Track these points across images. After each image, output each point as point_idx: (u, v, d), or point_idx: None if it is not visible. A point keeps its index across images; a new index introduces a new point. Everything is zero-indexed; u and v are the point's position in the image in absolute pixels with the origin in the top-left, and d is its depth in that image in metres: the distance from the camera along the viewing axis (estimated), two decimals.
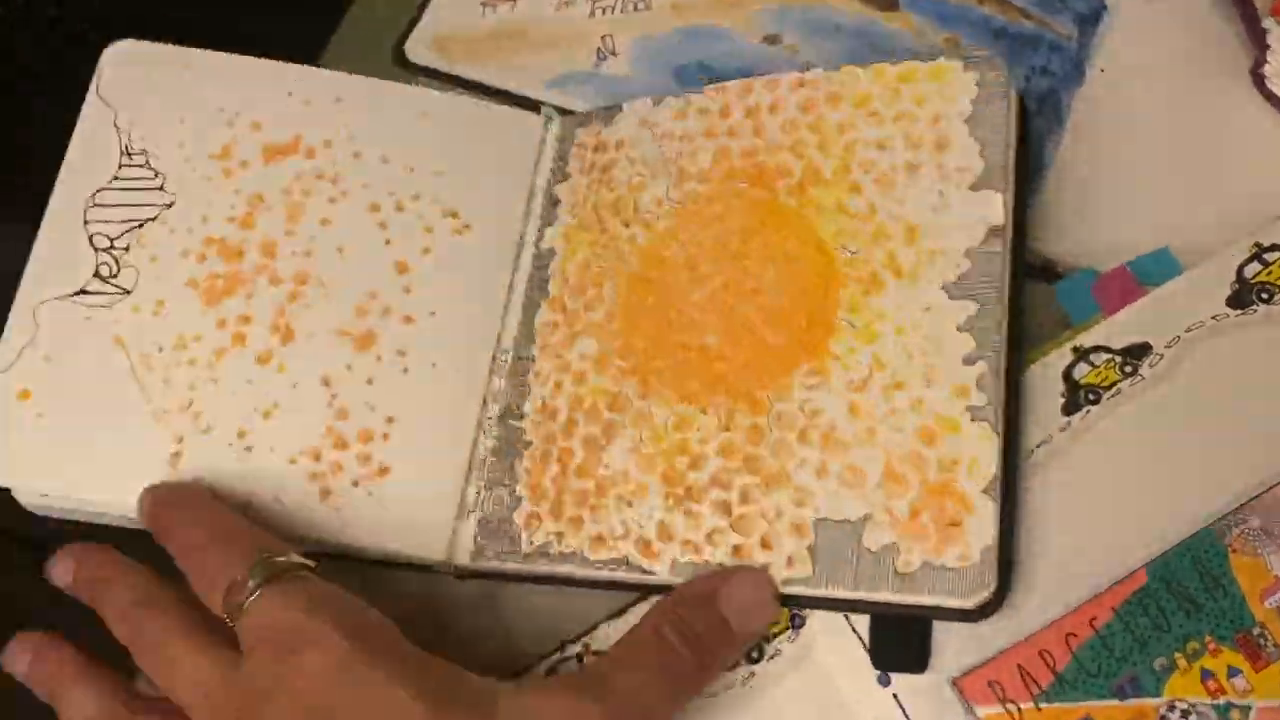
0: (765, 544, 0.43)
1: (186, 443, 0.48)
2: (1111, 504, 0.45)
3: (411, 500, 0.49)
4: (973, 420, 0.42)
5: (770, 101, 0.49)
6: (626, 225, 0.50)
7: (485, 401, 0.50)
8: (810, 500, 0.43)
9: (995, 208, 0.44)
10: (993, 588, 0.40)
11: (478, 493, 0.49)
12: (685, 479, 0.45)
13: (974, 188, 0.45)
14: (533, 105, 0.56)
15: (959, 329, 0.43)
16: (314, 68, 0.55)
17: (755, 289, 0.47)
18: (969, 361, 0.42)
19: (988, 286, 0.43)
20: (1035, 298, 0.48)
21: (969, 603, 0.40)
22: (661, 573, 0.44)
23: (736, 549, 0.43)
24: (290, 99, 0.54)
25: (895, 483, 0.42)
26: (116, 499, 0.48)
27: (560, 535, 0.47)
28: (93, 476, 0.48)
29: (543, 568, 0.47)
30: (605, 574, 0.46)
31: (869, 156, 0.47)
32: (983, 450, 0.41)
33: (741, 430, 0.45)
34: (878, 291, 0.45)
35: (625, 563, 0.45)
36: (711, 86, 0.51)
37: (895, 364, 0.43)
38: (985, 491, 0.41)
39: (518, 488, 0.48)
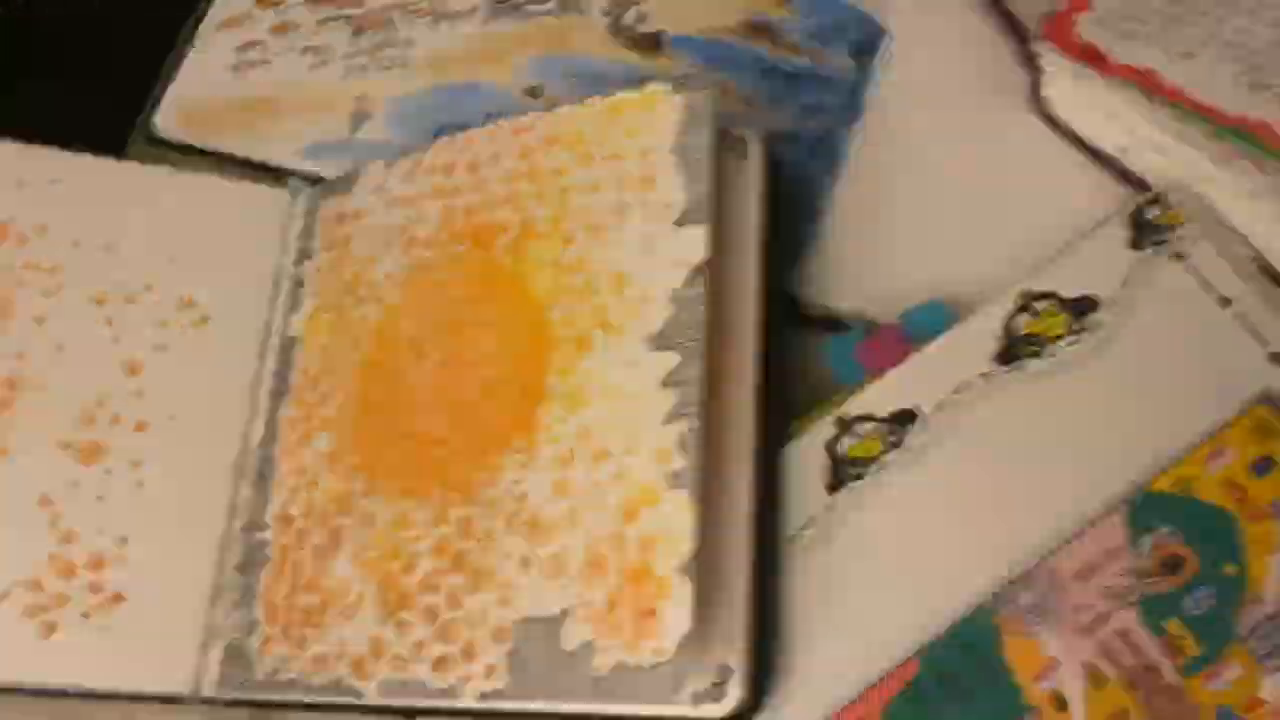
0: (469, 653, 0.37)
1: None
2: (878, 589, 0.38)
3: (150, 630, 0.44)
4: (671, 488, 0.36)
5: (492, 151, 0.44)
6: (360, 303, 0.46)
7: (233, 512, 0.45)
8: (515, 598, 0.37)
9: (696, 244, 0.38)
10: (704, 686, 0.34)
11: (225, 615, 0.44)
12: (399, 584, 0.40)
13: (679, 224, 0.39)
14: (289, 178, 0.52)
15: (662, 384, 0.37)
16: (33, 146, 0.50)
17: (474, 362, 0.42)
18: (669, 420, 0.36)
19: (690, 333, 0.37)
20: (810, 358, 0.42)
21: (702, 711, 0.34)
22: (370, 694, 0.39)
23: (440, 661, 0.38)
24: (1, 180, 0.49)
25: (595, 569, 0.36)
26: None
27: (287, 660, 0.41)
28: None
29: (275, 695, 0.41)
30: (325, 699, 0.40)
31: (583, 202, 0.41)
32: (678, 521, 0.35)
33: (454, 523, 0.39)
34: (587, 351, 0.39)
35: (338, 686, 0.40)
36: (440, 140, 0.46)
37: (601, 430, 0.38)
38: (681, 570, 0.35)
39: (255, 608, 0.43)
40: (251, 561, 0.44)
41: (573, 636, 0.35)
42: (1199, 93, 0.43)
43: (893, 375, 0.41)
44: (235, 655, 0.43)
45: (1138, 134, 0.44)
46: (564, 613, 0.36)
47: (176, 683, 0.43)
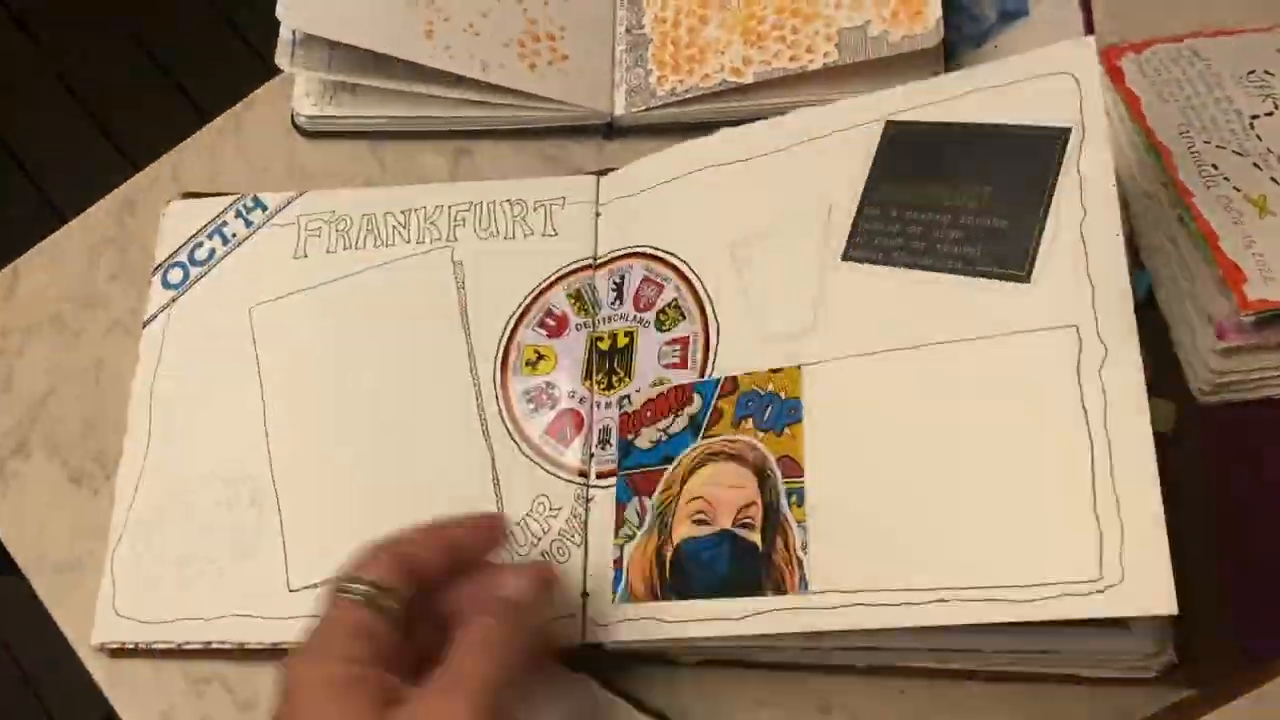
0: (810, 49, 0.74)
1: None
2: None
3: (582, 72, 0.79)
4: None
5: None
6: None
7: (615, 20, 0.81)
8: (834, 23, 0.74)
9: None
10: None
11: (626, 69, 0.79)
12: (756, 29, 0.76)
13: None
14: None
15: None
16: None
17: None
18: None
19: None
20: None
21: None
22: (747, 77, 0.76)
23: (792, 57, 0.75)
24: None
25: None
26: None
27: (682, 81, 0.77)
28: None
29: (674, 112, 0.77)
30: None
31: None
32: None
33: None
34: None
35: (722, 83, 0.76)
36: None
37: None
38: None
39: (649, 63, 0.79)
40: (637, 43, 0.80)
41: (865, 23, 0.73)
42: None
43: None
44: (636, 90, 0.79)
45: None
46: (866, 21, 0.73)
47: (598, 104, 0.79)
